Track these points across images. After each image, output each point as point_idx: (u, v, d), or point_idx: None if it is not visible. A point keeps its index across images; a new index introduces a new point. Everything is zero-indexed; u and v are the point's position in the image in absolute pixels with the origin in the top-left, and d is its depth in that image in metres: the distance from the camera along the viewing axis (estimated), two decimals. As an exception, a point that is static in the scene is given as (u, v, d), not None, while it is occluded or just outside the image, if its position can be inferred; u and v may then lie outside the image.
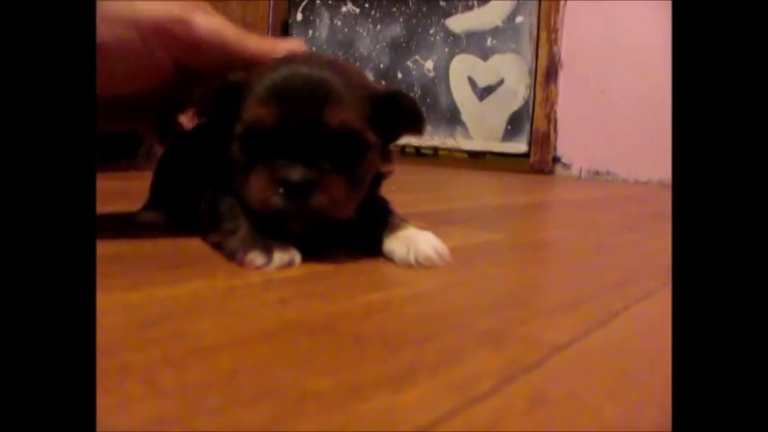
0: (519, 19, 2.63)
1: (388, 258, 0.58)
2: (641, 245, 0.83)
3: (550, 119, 2.55)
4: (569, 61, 2.53)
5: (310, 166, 0.53)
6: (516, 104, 2.64)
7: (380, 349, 0.35)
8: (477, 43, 2.72)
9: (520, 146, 2.63)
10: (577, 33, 2.50)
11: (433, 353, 0.35)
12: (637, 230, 0.96)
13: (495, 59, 2.68)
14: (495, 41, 2.68)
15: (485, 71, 2.70)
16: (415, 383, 0.31)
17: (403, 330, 0.39)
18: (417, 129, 0.60)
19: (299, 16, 3.16)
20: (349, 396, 0.29)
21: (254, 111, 0.54)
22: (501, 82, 2.67)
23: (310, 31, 3.14)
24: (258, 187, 0.53)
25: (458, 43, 2.76)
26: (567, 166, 2.55)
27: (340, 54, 3.04)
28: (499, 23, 2.67)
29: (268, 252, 0.53)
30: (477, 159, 2.69)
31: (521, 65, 2.62)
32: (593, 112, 2.49)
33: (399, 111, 0.59)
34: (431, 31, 2.82)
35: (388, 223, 0.60)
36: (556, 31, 2.53)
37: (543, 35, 2.55)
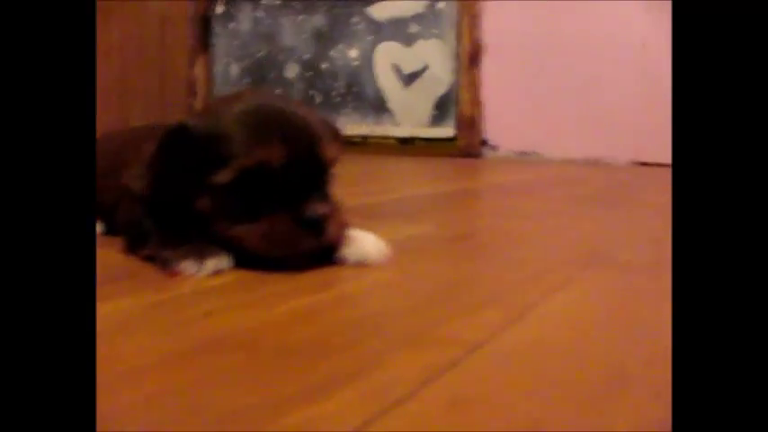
0: (440, 5, 2.65)
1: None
2: (563, 231, 0.86)
3: (476, 102, 2.59)
4: (494, 45, 2.56)
5: (321, 200, 0.54)
6: (442, 89, 2.66)
7: (302, 360, 0.36)
8: (400, 30, 2.73)
9: (447, 130, 2.66)
10: (500, 18, 2.54)
11: (353, 360, 0.36)
12: (559, 215, 0.99)
13: (419, 46, 2.70)
14: (418, 28, 2.69)
15: (409, 58, 2.72)
16: (334, 394, 0.32)
17: (325, 339, 0.40)
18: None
19: (220, 9, 3.12)
20: (272, 412, 0.30)
21: (257, 154, 0.53)
22: (425, 68, 2.69)
23: (232, 24, 3.10)
24: (282, 231, 0.53)
25: (381, 31, 2.77)
26: (494, 149, 2.59)
27: (264, 46, 3.02)
28: (421, 10, 2.68)
29: (201, 259, 0.54)
30: (406, 145, 2.71)
31: (444, 50, 2.65)
32: (518, 95, 2.54)
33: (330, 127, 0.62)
34: (354, 20, 2.82)
35: None
36: (477, 16, 2.56)
37: (465, 20, 2.58)
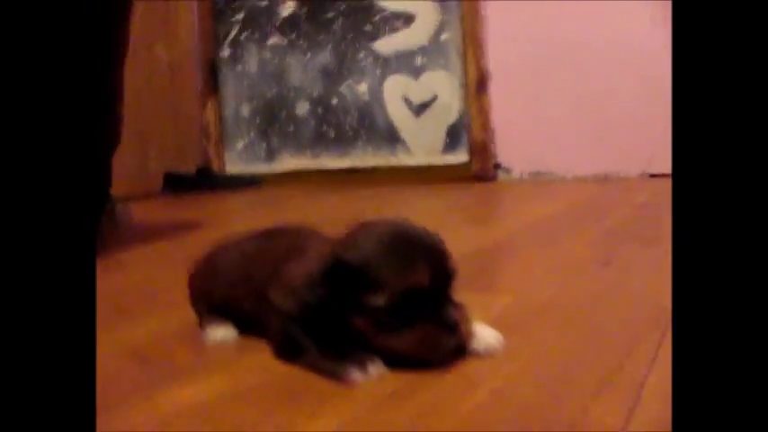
0: (444, 36, 2.74)
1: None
2: (624, 285, 0.94)
3: (487, 128, 2.68)
4: (498, 71, 2.65)
5: (454, 306, 0.64)
6: (452, 117, 2.75)
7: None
8: (406, 63, 2.82)
9: (460, 156, 2.75)
10: (503, 44, 2.63)
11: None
12: (610, 263, 1.07)
13: (427, 77, 2.79)
14: (424, 60, 2.78)
15: (418, 89, 2.81)
16: None
17: None
18: None
19: (227, 52, 3.20)
20: None
21: (411, 278, 0.63)
22: (435, 98, 2.78)
23: (239, 66, 3.18)
24: (432, 338, 0.63)
25: (388, 64, 2.86)
26: (508, 171, 2.68)
27: (273, 86, 3.10)
28: (426, 42, 2.78)
29: (363, 366, 0.63)
30: (422, 173, 2.79)
31: (452, 79, 2.74)
32: (527, 117, 2.63)
33: None
34: (360, 56, 2.91)
35: None
36: (481, 45, 2.65)
37: (470, 50, 2.67)
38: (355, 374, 0.62)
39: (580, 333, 0.74)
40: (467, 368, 0.65)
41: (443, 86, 2.76)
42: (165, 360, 0.74)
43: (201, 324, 0.80)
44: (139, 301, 1.07)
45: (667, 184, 2.21)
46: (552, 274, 1.04)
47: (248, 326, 0.76)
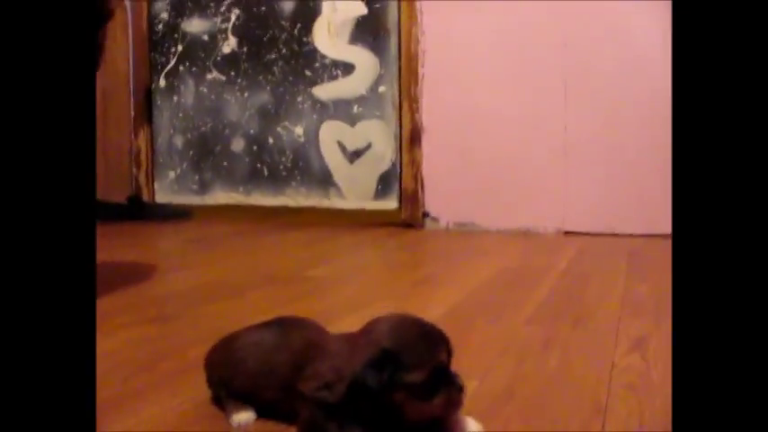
0: (382, 88, 2.88)
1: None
2: (566, 370, 1.08)
3: (417, 178, 2.83)
4: (431, 125, 2.81)
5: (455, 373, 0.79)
6: (385, 166, 2.89)
7: None
8: (344, 110, 2.94)
9: (391, 203, 2.88)
10: (436, 101, 2.79)
11: None
12: (550, 345, 1.22)
13: (363, 125, 2.91)
14: (361, 109, 2.91)
15: (353, 136, 2.93)
16: None
17: None
18: None
19: (163, 82, 3.23)
20: None
21: (439, 357, 0.77)
22: (369, 146, 2.91)
23: (175, 98, 3.22)
24: (454, 399, 0.78)
25: (325, 110, 2.97)
26: (435, 220, 2.84)
27: (209, 120, 3.15)
28: (364, 92, 2.91)
29: None
30: (353, 216, 2.91)
31: (386, 130, 2.88)
32: (455, 170, 2.79)
33: None
34: (299, 99, 3.01)
35: None
36: (416, 100, 2.80)
37: (405, 104, 2.82)
38: None
39: (541, 422, 0.88)
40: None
41: (378, 135, 2.89)
42: None
43: (224, 408, 0.89)
44: None
45: (582, 242, 2.42)
46: (505, 356, 1.17)
47: (268, 412, 0.86)
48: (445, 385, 0.77)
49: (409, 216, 2.84)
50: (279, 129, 3.05)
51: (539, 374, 1.07)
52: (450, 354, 0.79)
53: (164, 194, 3.24)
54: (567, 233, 2.66)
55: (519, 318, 1.42)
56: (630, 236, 2.54)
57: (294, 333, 0.88)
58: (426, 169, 2.83)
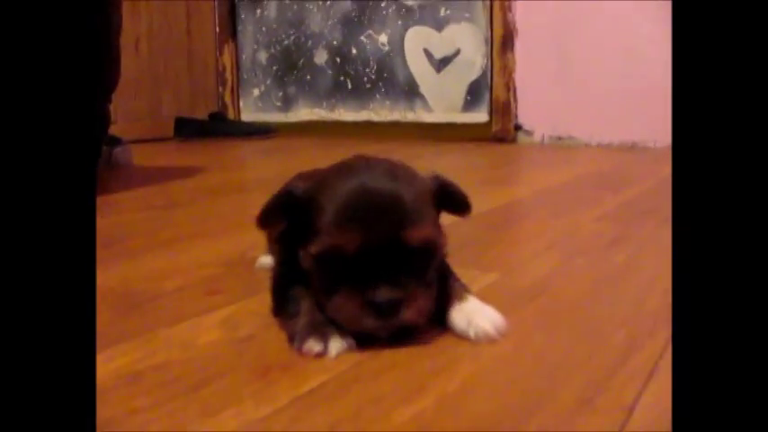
0: (471, -13, 2.60)
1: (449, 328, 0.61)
2: (631, 271, 0.84)
3: (510, 87, 2.56)
4: (525, 29, 2.52)
5: (394, 284, 0.55)
6: (474, 74, 2.63)
7: None
8: (430, 14, 2.69)
9: (481, 116, 2.63)
10: (531, 0, 2.49)
11: None
12: (622, 243, 0.97)
13: (450, 29, 2.66)
14: (448, 11, 2.65)
15: (440, 42, 2.68)
16: None
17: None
18: (464, 213, 0.65)
19: (246, -5, 3.09)
20: None
21: (333, 238, 0.56)
22: (457, 52, 2.65)
23: (258, 11, 3.07)
24: (347, 310, 0.56)
25: (411, 15, 2.73)
26: (529, 133, 2.56)
27: (292, 32, 2.99)
28: (451, -7, 2.64)
29: (325, 340, 0.56)
30: (440, 131, 2.68)
31: (476, 34, 2.61)
32: (552, 79, 2.50)
33: (448, 196, 0.63)
34: (383, 5, 2.78)
35: (451, 294, 0.62)
36: (509, -2, 2.51)
37: (497, 3, 2.53)
38: (312, 346, 0.56)
39: (571, 328, 0.65)
40: (438, 353, 0.57)
41: (467, 41, 2.63)
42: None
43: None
44: (132, 239, 1.07)
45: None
46: (551, 251, 0.94)
47: None
48: (352, 287, 0.56)
49: (500, 129, 2.58)
50: (362, 38, 2.84)
51: (587, 274, 0.84)
52: (392, 251, 0.55)
53: (249, 113, 3.13)
54: (680, 147, 2.32)
55: (590, 214, 1.18)
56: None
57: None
58: (520, 77, 2.55)
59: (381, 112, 2.82)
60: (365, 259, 0.55)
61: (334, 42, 2.90)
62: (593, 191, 1.48)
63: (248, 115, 3.13)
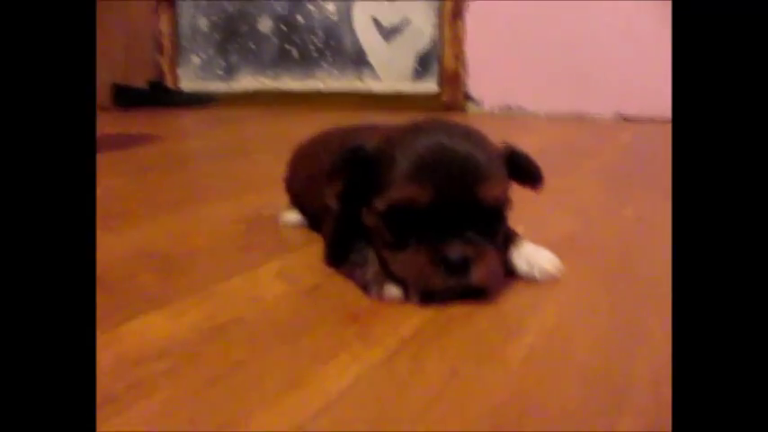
0: (421, -44, 2.60)
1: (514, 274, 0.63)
2: (647, 231, 0.86)
3: (459, 57, 2.57)
4: (475, -1, 2.54)
5: (466, 241, 0.54)
6: (423, 44, 2.63)
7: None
8: (379, -17, 2.67)
9: (430, 85, 2.64)
10: (481, -31, 2.51)
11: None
12: (628, 204, 0.99)
13: (400, -1, 2.65)
14: (398, -20, 2.64)
15: (389, 11, 2.67)
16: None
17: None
18: (536, 183, 0.65)
19: (185, -41, 2.98)
20: None
21: (406, 191, 0.55)
22: (407, 22, 2.64)
23: (199, -25, 2.97)
24: (416, 265, 0.55)
25: (359, -17, 2.70)
26: (478, 103, 2.59)
27: (234, -1, 2.92)
28: (401, -39, 2.63)
29: (380, 287, 0.57)
30: (389, 101, 2.68)
31: (426, 4, 2.60)
32: (501, 49, 2.52)
33: (521, 166, 0.63)
34: (330, -28, 2.74)
35: (512, 241, 0.64)
36: (459, -32, 2.52)
37: (447, -28, 2.54)
38: (394, 292, 0.56)
39: (616, 278, 0.67)
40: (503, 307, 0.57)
41: (417, 9, 2.63)
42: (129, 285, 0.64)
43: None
44: (128, 204, 1.03)
45: (643, 128, 2.16)
46: (567, 209, 0.96)
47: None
48: (423, 243, 0.55)
49: (450, 99, 2.60)
50: (309, 6, 2.79)
51: (616, 231, 0.86)
52: (466, 207, 0.55)
53: (188, 81, 3.04)
54: (626, 119, 2.40)
55: (586, 179, 1.21)
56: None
57: (343, 136, 0.77)
58: (470, 47, 2.57)
59: (328, 81, 2.79)
60: (437, 214, 0.55)
61: (280, 10, 2.85)
62: (570, 158, 1.51)
63: (188, 84, 3.04)
